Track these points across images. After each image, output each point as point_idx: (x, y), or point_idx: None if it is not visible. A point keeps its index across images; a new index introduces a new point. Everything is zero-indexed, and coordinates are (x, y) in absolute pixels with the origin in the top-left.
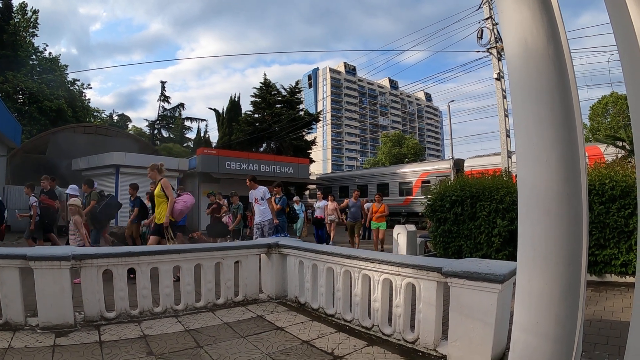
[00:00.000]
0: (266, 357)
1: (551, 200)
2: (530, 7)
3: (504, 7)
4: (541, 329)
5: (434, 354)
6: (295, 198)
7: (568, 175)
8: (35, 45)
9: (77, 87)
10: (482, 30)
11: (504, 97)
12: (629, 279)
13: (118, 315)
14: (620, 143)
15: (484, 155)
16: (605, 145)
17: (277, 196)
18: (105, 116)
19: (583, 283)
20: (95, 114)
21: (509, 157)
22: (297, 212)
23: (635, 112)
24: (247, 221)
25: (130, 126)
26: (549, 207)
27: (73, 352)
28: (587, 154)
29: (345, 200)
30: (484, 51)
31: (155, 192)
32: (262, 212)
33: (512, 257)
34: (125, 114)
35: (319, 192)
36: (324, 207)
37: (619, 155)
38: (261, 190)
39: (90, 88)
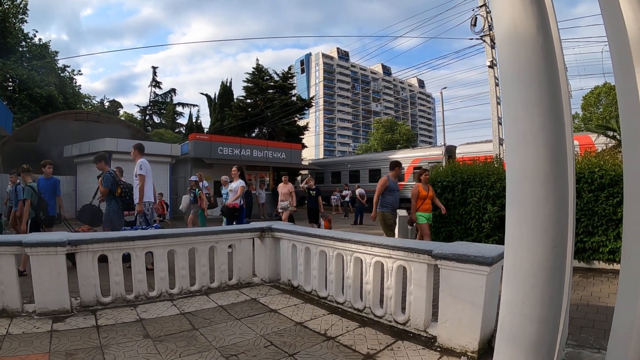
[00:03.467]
0: (260, 338)
1: (538, 184)
2: None
3: None
4: (527, 310)
5: (424, 334)
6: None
7: (555, 160)
8: (25, 31)
9: (67, 74)
10: (476, 18)
11: (497, 84)
12: (616, 266)
13: (114, 299)
14: (611, 133)
15: (475, 143)
16: (596, 134)
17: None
18: (96, 102)
19: (569, 266)
20: (86, 100)
21: (501, 144)
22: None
23: (623, 102)
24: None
25: (121, 112)
26: (535, 190)
27: (70, 337)
28: (578, 143)
29: (310, 182)
30: (478, 39)
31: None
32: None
33: (502, 242)
34: (116, 100)
35: (234, 170)
36: (239, 189)
37: (609, 144)
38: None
39: (81, 74)
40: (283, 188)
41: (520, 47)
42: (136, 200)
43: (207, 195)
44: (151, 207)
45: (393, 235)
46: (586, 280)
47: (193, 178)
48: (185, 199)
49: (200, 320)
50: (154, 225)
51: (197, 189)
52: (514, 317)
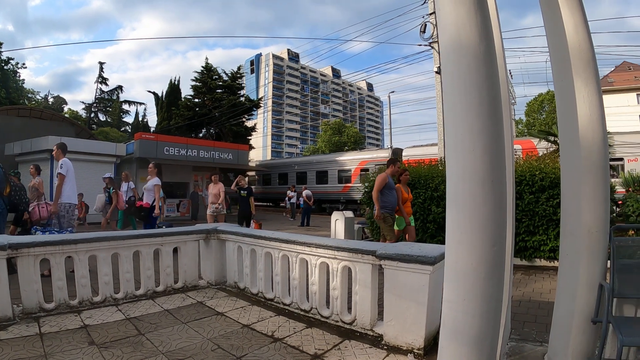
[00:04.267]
0: (207, 341)
1: (476, 185)
2: (465, 5)
3: (442, 4)
4: (468, 306)
5: (371, 333)
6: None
7: (493, 163)
8: None
9: (11, 66)
10: (426, 25)
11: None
12: (557, 264)
13: (57, 306)
14: (552, 138)
15: (422, 146)
16: (539, 139)
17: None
18: (40, 98)
19: (509, 263)
20: (30, 95)
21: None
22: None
23: (561, 111)
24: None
25: (66, 109)
26: (474, 192)
27: (14, 346)
28: (521, 147)
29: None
30: (426, 45)
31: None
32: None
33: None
34: (61, 95)
35: (151, 166)
36: (154, 189)
37: (550, 149)
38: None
39: (25, 68)
40: (213, 188)
41: (463, 54)
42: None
43: (132, 198)
44: (71, 209)
45: (394, 234)
46: (528, 277)
47: (107, 175)
48: (100, 199)
49: (146, 325)
50: (69, 229)
51: (111, 188)
52: (456, 314)
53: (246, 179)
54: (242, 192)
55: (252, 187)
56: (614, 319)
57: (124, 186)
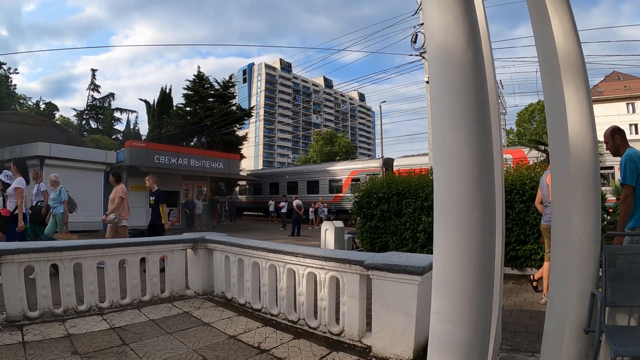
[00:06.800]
0: (192, 352)
1: (463, 194)
2: (452, 11)
3: (429, 10)
4: (457, 317)
5: (359, 345)
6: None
7: (481, 171)
8: None
9: (3, 71)
10: (417, 35)
11: None
12: None
13: (41, 314)
14: (542, 147)
15: (412, 155)
16: (529, 148)
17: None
18: (31, 104)
19: (498, 273)
20: (21, 101)
21: None
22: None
23: (551, 118)
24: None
25: (57, 116)
26: (461, 200)
27: None
28: (512, 156)
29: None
30: (417, 55)
31: None
32: None
33: None
34: (52, 102)
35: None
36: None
37: (541, 158)
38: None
39: (18, 73)
40: (112, 193)
41: (450, 62)
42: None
43: (39, 203)
44: None
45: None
46: (519, 287)
47: (3, 175)
48: None
49: (131, 335)
50: None
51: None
52: (445, 325)
53: (237, 188)
54: (151, 197)
55: (209, 193)
56: (606, 328)
57: (34, 188)
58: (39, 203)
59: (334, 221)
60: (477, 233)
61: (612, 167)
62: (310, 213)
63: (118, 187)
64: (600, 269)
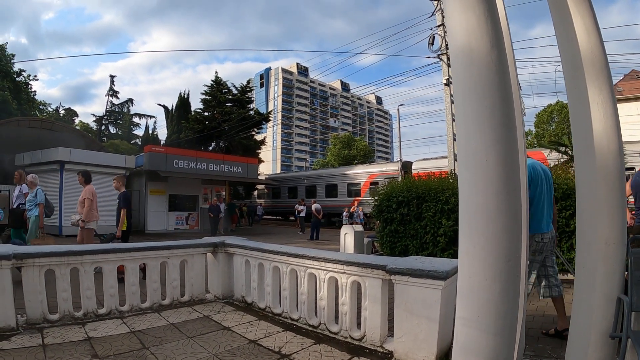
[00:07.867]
0: (213, 357)
1: (489, 198)
2: (475, 12)
3: (451, 11)
4: (482, 323)
5: (381, 350)
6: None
7: (507, 174)
8: None
9: (23, 78)
10: (434, 37)
11: (452, 102)
12: (570, 277)
13: (61, 317)
14: (562, 148)
15: (431, 158)
16: (549, 150)
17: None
18: (51, 110)
19: (523, 278)
20: (41, 107)
21: (455, 160)
22: None
23: (575, 119)
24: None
25: (77, 121)
26: (488, 204)
27: (16, 357)
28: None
29: None
30: (435, 57)
31: None
32: None
33: (457, 256)
34: (72, 108)
35: None
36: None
37: (562, 160)
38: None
39: (37, 80)
40: (86, 191)
41: (474, 63)
42: None
43: (20, 206)
44: None
45: None
46: None
47: (17, 192)
48: None
49: (151, 339)
50: None
51: None
52: (470, 331)
53: (255, 192)
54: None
55: (221, 199)
56: (633, 333)
57: (15, 190)
58: (20, 206)
59: (354, 225)
60: (504, 237)
61: (632, 168)
62: (343, 217)
63: (87, 188)
64: (627, 273)
